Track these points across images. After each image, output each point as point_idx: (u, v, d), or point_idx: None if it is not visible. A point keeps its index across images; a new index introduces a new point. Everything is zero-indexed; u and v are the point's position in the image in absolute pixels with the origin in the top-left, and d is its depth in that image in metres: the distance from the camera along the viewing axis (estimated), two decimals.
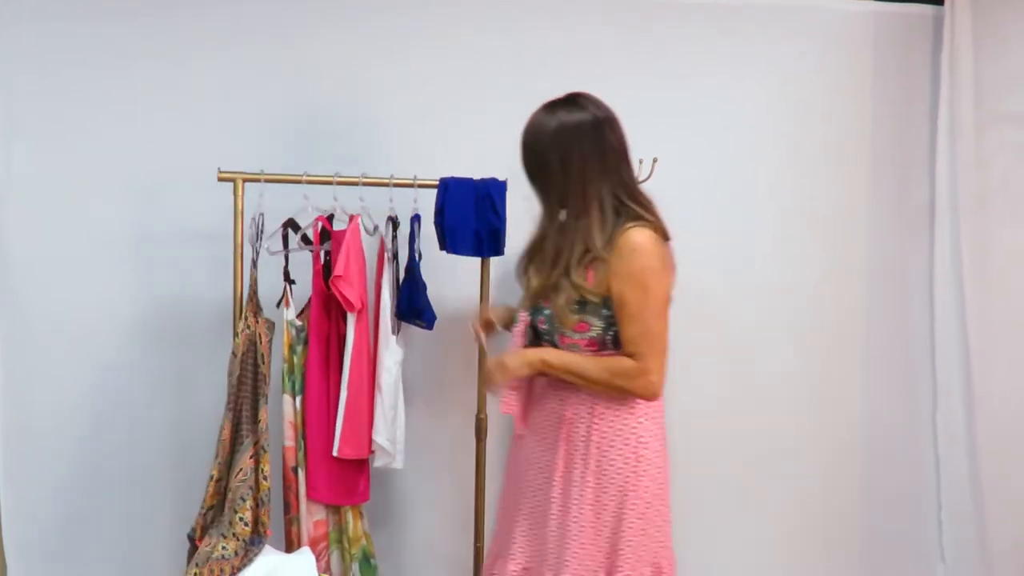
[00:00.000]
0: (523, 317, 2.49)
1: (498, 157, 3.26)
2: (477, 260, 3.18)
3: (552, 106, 2.45)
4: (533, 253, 2.58)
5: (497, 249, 3.10)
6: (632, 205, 2.44)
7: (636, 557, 2.38)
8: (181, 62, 3.28)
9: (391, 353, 2.97)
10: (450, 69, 3.43)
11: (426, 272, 3.06)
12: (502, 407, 2.49)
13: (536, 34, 3.46)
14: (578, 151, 2.38)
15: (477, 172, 3.11)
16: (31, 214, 3.24)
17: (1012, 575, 3.46)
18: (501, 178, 3.11)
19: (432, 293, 3.07)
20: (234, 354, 2.82)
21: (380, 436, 2.96)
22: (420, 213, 3.04)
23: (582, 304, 2.38)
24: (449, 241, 3.07)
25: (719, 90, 3.61)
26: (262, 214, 2.93)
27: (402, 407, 3.03)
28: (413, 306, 3.02)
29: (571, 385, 2.43)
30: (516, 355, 2.45)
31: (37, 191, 3.24)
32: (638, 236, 2.36)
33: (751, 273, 3.65)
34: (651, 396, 2.39)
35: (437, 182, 3.06)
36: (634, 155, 3.27)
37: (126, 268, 3.29)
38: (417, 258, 3.04)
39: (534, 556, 2.47)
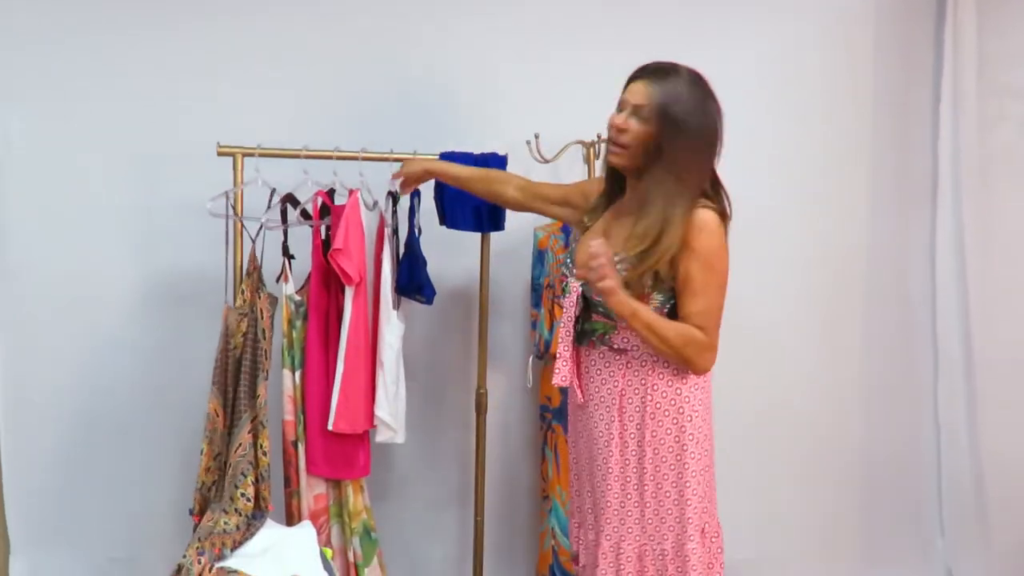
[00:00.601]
0: (575, 287, 2.48)
1: (498, 131, 3.27)
2: (477, 235, 3.17)
3: (694, 78, 2.38)
4: (603, 223, 2.51)
5: (497, 224, 3.10)
6: (715, 187, 2.46)
7: (695, 524, 2.41)
8: (182, 36, 3.26)
9: (392, 328, 2.97)
10: (450, 44, 3.41)
11: (426, 247, 3.05)
12: (555, 379, 2.49)
13: (537, 6, 3.44)
14: (711, 126, 2.38)
15: (477, 147, 3.09)
16: (30, 186, 3.23)
17: (1011, 546, 3.48)
18: (501, 152, 3.10)
19: (432, 268, 3.07)
20: (227, 332, 2.83)
21: (382, 411, 2.96)
22: (420, 188, 3.03)
23: (656, 279, 2.36)
24: (449, 216, 3.06)
25: (716, 58, 3.58)
26: (273, 189, 2.92)
27: (403, 382, 3.03)
28: (413, 281, 3.02)
29: (624, 357, 2.43)
30: (615, 277, 2.33)
31: (36, 164, 3.23)
32: (707, 215, 2.37)
33: (751, 244, 3.64)
34: (707, 370, 2.42)
35: (438, 156, 3.04)
36: None
37: (125, 240, 3.29)
38: (417, 233, 3.03)
39: (594, 526, 2.50)
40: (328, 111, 3.32)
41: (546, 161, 3.33)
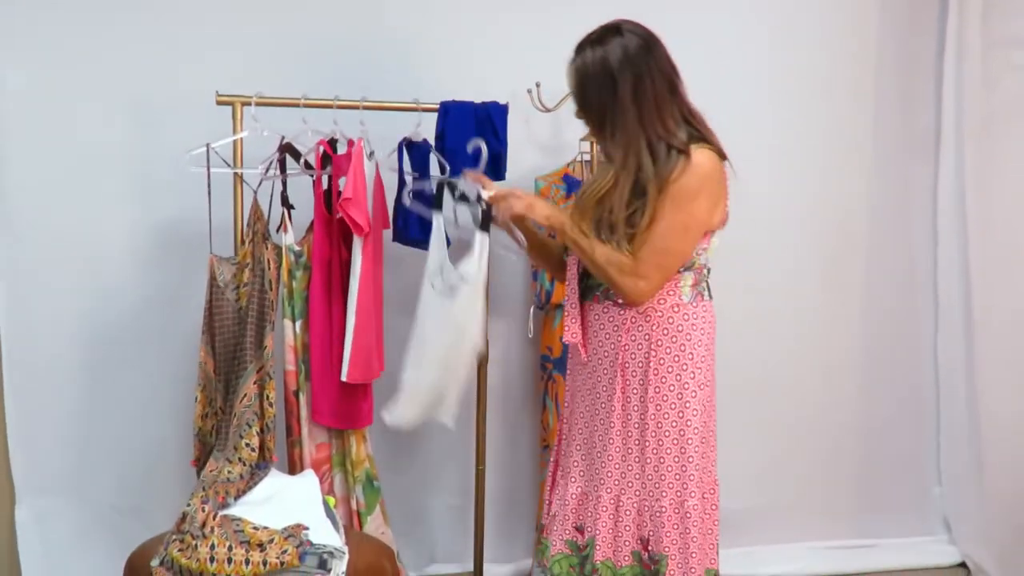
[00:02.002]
0: (573, 259, 2.49)
1: (499, 80, 3.24)
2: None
3: (601, 39, 2.37)
4: (596, 198, 2.45)
5: (498, 173, 3.08)
6: (695, 125, 2.42)
7: (695, 481, 2.41)
8: None
9: None
10: None
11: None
12: (565, 335, 2.48)
13: None
14: (646, 75, 2.33)
15: (478, 96, 3.07)
16: (29, 137, 3.21)
17: (1007, 499, 3.51)
18: (502, 101, 3.07)
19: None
20: (213, 281, 2.83)
21: None
22: (412, 140, 3.02)
23: None
24: (450, 165, 3.04)
25: (721, 17, 3.56)
26: (282, 136, 2.90)
27: None
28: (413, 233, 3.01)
29: (628, 312, 2.42)
30: (531, 203, 2.42)
31: (35, 114, 3.21)
32: (701, 156, 2.35)
33: (754, 200, 3.63)
34: (635, 299, 2.38)
35: (438, 106, 3.02)
36: None
37: (125, 190, 3.28)
38: (408, 186, 3.02)
39: (592, 480, 2.50)
40: (328, 60, 3.29)
41: (547, 110, 3.30)
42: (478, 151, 2.62)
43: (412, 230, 3.01)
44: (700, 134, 2.40)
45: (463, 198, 2.50)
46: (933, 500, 3.83)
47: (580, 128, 3.28)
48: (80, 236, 3.25)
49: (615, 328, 2.44)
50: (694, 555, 2.39)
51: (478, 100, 3.06)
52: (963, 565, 3.68)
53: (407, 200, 2.93)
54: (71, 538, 3.28)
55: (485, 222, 2.42)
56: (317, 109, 2.93)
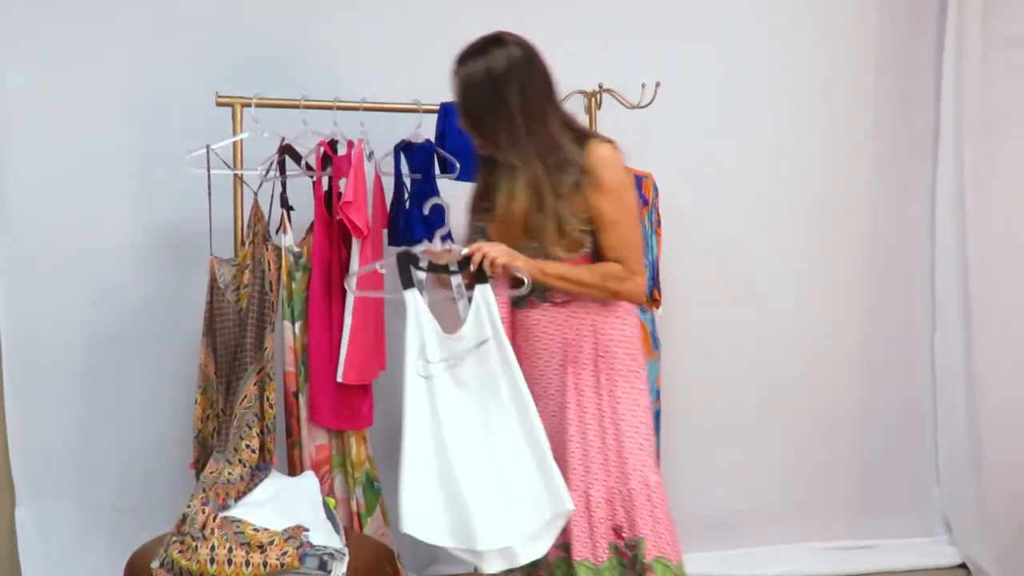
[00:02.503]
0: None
1: None
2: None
3: (484, 49, 2.40)
4: (488, 202, 2.51)
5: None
6: (576, 127, 2.49)
7: (653, 454, 2.48)
8: None
9: None
10: None
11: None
12: None
13: None
14: (530, 83, 2.38)
15: None
16: (29, 137, 3.21)
17: (1006, 499, 3.51)
18: None
19: None
20: (214, 282, 2.83)
21: None
22: (429, 138, 3.02)
23: (584, 229, 2.41)
24: (450, 166, 3.04)
25: (721, 17, 3.57)
26: (282, 138, 2.90)
27: None
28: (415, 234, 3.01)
29: (568, 307, 2.46)
30: (507, 250, 2.38)
31: (35, 114, 3.21)
32: (604, 150, 2.41)
33: (753, 197, 3.65)
34: (640, 296, 2.49)
35: (438, 107, 3.02)
36: (638, 79, 3.26)
37: (125, 191, 3.28)
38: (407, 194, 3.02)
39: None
40: (327, 62, 3.29)
41: None
42: (440, 208, 2.55)
43: (414, 230, 3.00)
44: (586, 133, 2.47)
45: (434, 268, 2.40)
46: (932, 500, 3.83)
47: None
48: (80, 236, 3.25)
49: (558, 327, 2.48)
50: (666, 531, 2.43)
51: None
52: (963, 566, 3.68)
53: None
54: (71, 539, 3.28)
55: (480, 275, 2.36)
56: (317, 110, 2.93)
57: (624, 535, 2.43)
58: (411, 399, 2.31)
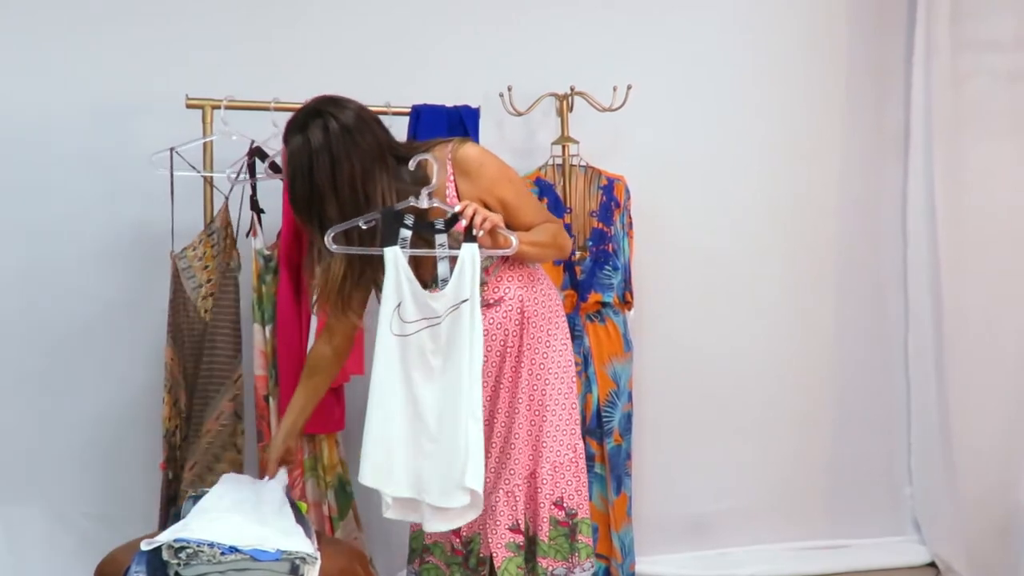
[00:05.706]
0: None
1: (471, 84, 3.25)
2: None
3: (312, 121, 2.32)
4: (356, 270, 2.44)
5: None
6: (409, 146, 2.48)
7: (576, 431, 2.53)
8: None
9: None
10: None
11: None
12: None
13: None
14: (366, 142, 2.33)
15: (451, 100, 3.07)
16: None
17: (976, 498, 3.54)
18: (474, 105, 3.07)
19: None
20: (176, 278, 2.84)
21: None
22: None
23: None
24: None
25: (693, 20, 3.59)
26: (252, 140, 2.88)
27: None
28: None
29: (500, 307, 2.47)
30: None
31: (2, 116, 3.19)
32: (470, 149, 2.43)
33: (724, 199, 3.66)
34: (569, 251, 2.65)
35: (410, 109, 3.02)
36: (610, 81, 3.27)
37: (93, 193, 3.26)
38: None
39: (502, 473, 2.52)
40: (300, 64, 3.28)
41: (519, 114, 3.30)
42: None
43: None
44: (427, 147, 2.45)
45: (419, 227, 2.36)
46: (904, 500, 3.85)
47: (552, 132, 3.32)
48: (45, 238, 3.24)
49: (498, 326, 2.47)
50: (582, 490, 2.50)
51: (450, 103, 3.06)
52: (932, 565, 3.70)
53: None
54: (40, 546, 3.24)
55: (468, 234, 2.33)
56: (288, 113, 2.91)
57: (565, 505, 2.48)
58: (381, 355, 2.34)
